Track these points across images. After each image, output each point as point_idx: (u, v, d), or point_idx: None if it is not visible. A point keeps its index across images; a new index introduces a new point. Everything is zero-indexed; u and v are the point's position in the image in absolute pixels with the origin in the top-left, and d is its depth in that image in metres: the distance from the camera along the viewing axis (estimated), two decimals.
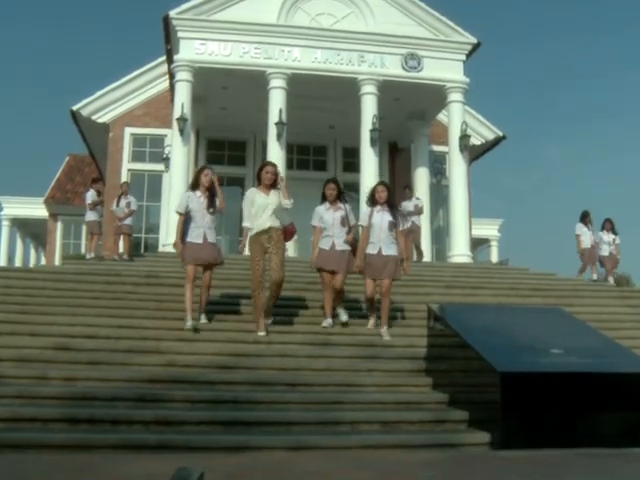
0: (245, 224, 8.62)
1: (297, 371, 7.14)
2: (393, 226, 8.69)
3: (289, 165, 18.50)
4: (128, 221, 14.54)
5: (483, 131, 21.80)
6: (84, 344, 7.42)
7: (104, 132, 20.43)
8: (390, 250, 8.65)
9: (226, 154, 20.83)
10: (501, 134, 21.77)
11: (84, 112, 19.92)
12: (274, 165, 8.83)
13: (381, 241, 8.62)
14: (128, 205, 14.58)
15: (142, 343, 7.68)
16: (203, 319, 8.67)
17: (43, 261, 28.13)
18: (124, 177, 19.61)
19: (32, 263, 29.02)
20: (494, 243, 28.86)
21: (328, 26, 17.14)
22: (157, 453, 4.86)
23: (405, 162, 20.48)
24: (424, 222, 18.81)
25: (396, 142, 21.17)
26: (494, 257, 28.06)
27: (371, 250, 8.65)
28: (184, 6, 16.33)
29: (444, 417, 6.06)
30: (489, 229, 28.61)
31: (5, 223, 26.99)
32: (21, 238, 28.52)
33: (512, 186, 72.71)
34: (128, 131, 20.36)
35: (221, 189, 8.75)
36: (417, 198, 16.59)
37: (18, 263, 27.69)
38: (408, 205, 15.88)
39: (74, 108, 19.75)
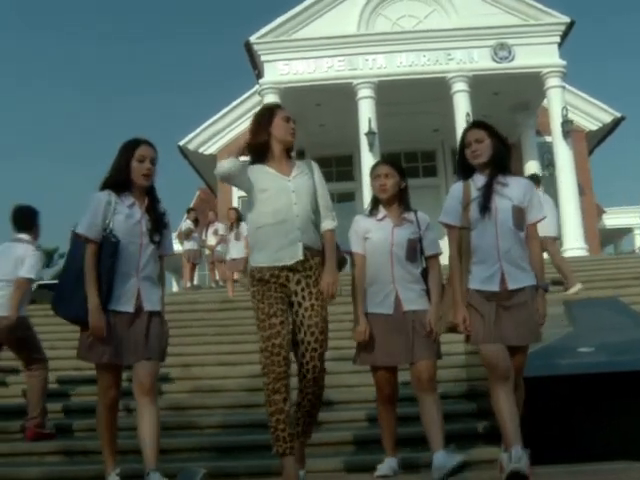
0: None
1: None
2: (521, 226, 4.03)
3: None
4: (218, 249, 14.59)
5: (600, 115, 20.35)
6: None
7: (213, 163, 21.00)
8: (523, 278, 3.99)
9: (334, 170, 20.75)
10: (619, 115, 20.20)
11: (191, 146, 20.67)
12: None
13: (502, 258, 3.95)
14: (215, 232, 14.77)
15: (178, 370, 7.60)
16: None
17: None
18: (236, 205, 20.05)
19: None
20: (638, 232, 26.75)
21: (411, 28, 16.78)
22: None
23: (517, 157, 19.49)
24: None
25: (506, 138, 20.13)
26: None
27: (479, 283, 3.97)
28: (263, 30, 16.57)
29: (467, 430, 5.55)
30: (631, 217, 26.56)
31: None
32: None
33: None
34: None
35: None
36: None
37: None
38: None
39: (181, 144, 20.54)
